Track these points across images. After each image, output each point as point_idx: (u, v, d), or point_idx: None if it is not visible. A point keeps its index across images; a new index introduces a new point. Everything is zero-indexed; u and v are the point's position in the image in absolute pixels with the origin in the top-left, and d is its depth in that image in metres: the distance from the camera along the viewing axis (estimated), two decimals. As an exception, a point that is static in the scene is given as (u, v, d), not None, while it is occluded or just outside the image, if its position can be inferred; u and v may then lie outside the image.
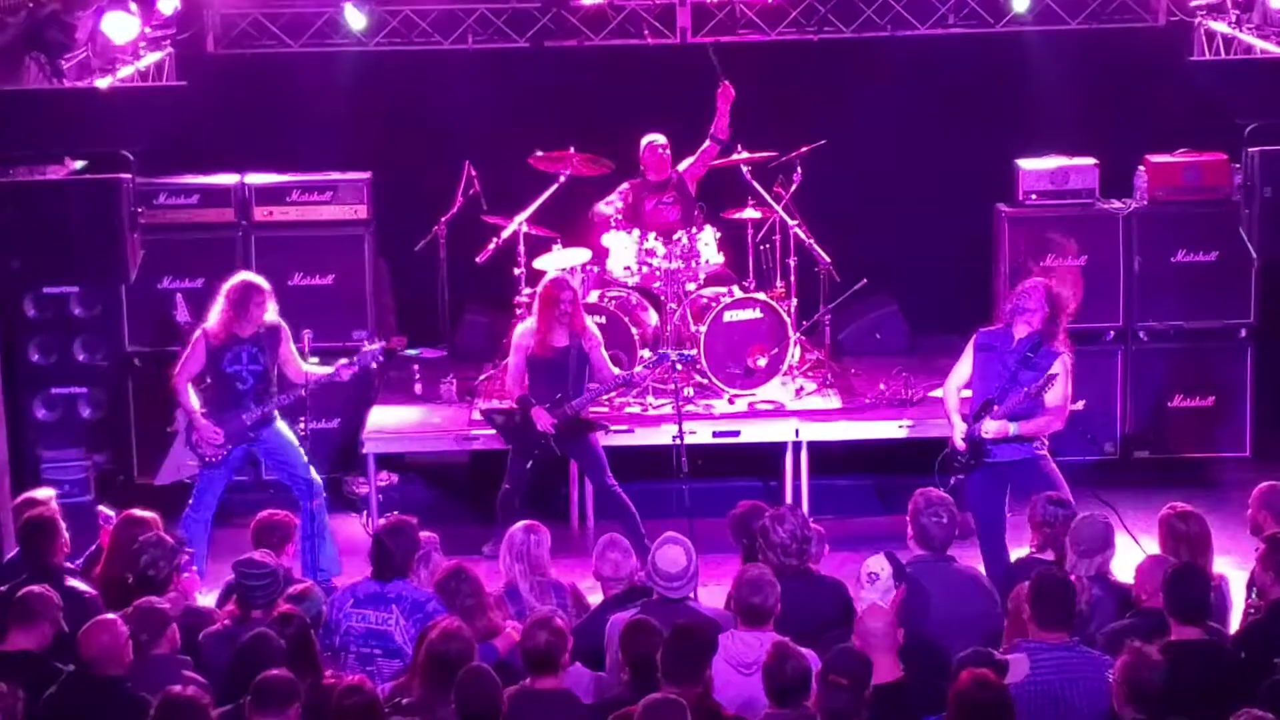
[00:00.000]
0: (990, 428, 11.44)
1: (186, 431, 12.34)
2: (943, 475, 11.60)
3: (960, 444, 11.60)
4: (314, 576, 11.42)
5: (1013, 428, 11.43)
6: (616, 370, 13.14)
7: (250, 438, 12.34)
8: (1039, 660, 8.45)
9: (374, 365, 12.86)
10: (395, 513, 10.78)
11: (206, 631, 9.30)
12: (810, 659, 8.30)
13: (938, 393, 13.75)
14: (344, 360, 12.55)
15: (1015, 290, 11.76)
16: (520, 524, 10.16)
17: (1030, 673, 8.38)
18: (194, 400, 12.28)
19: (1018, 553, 11.26)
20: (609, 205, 14.70)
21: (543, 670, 8.41)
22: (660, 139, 14.70)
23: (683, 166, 14.82)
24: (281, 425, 12.44)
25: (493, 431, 13.41)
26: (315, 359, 12.57)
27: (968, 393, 11.79)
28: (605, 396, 13.52)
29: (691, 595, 9.41)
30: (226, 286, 12.35)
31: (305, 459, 12.37)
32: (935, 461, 11.77)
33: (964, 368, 11.76)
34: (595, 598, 10.16)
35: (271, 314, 12.37)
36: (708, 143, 14.75)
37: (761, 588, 8.84)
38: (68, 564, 10.16)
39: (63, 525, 10.15)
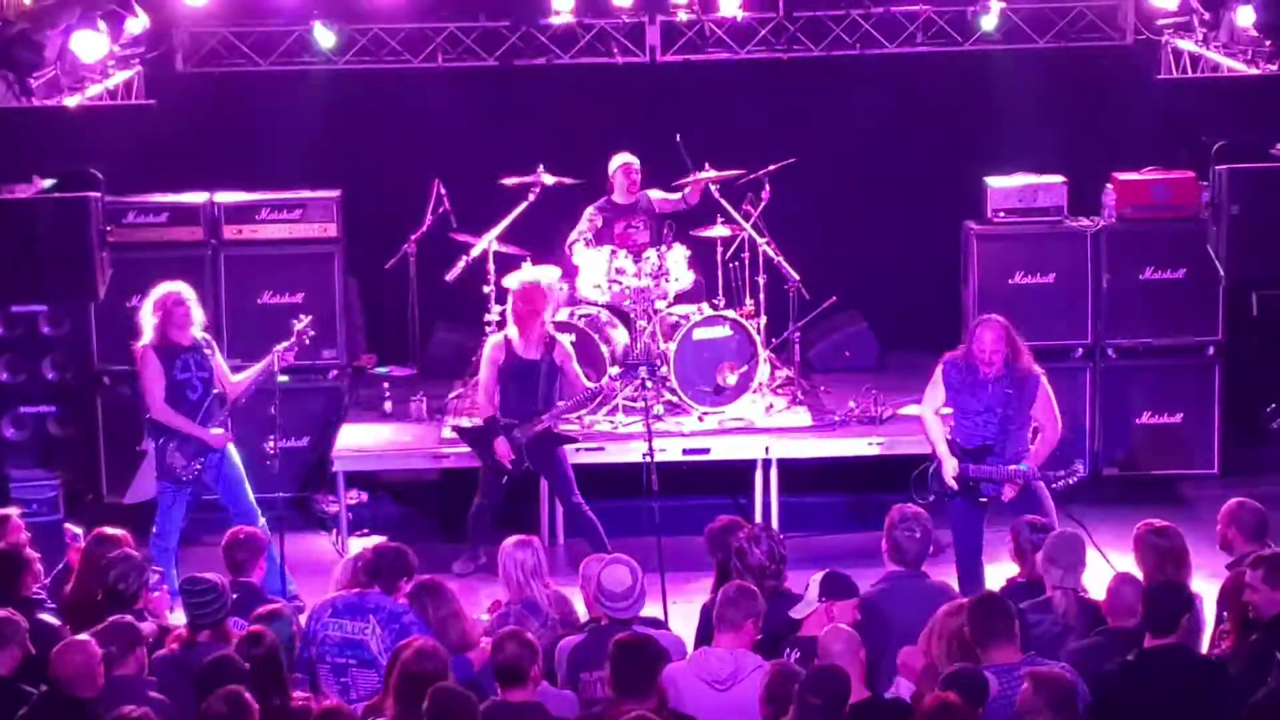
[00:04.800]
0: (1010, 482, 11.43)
1: (160, 453, 12.27)
2: (919, 492, 11.60)
3: (951, 482, 11.56)
4: (282, 598, 11.37)
5: (1022, 466, 11.44)
6: (590, 384, 13.14)
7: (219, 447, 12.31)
8: (1004, 681, 8.44)
9: (307, 341, 12.76)
10: (366, 530, 10.75)
11: (156, 656, 9.24)
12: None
13: (908, 410, 13.82)
14: (282, 345, 12.46)
15: (973, 338, 11.55)
16: (513, 541, 10.04)
17: (998, 692, 8.39)
18: (178, 414, 12.23)
19: (994, 569, 11.29)
20: (579, 237, 14.67)
21: (513, 682, 8.41)
22: (634, 161, 14.69)
23: (654, 195, 14.82)
24: (230, 447, 12.39)
25: (463, 449, 13.40)
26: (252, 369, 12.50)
27: (946, 409, 11.77)
28: (575, 413, 13.51)
29: (640, 616, 9.37)
30: (151, 300, 12.26)
31: (247, 484, 12.33)
32: (911, 477, 11.77)
33: (938, 395, 11.71)
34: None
35: (199, 327, 12.32)
36: (679, 197, 14.75)
37: (740, 598, 8.85)
38: (37, 592, 10.08)
39: (35, 557, 10.10)
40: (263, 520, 12.21)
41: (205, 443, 12.21)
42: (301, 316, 12.69)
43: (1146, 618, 8.71)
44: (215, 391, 12.29)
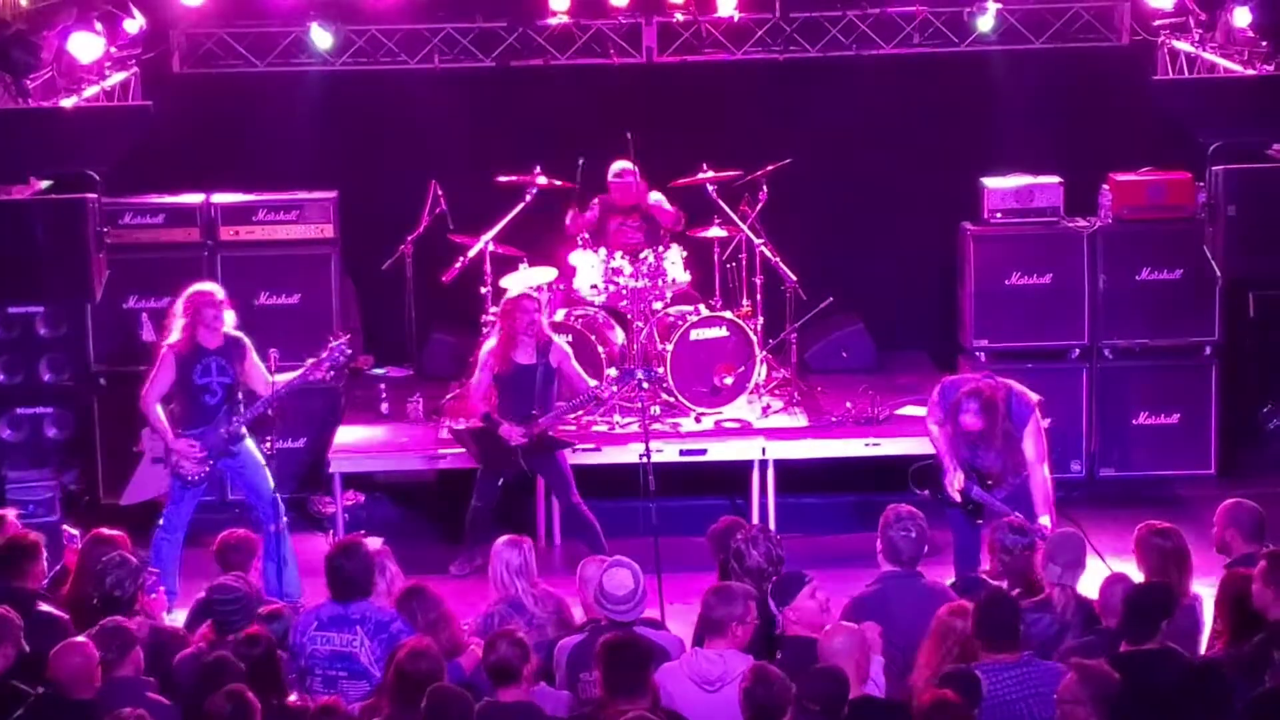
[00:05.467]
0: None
1: (165, 454, 12.26)
2: (919, 485, 11.59)
3: (954, 494, 11.54)
4: (279, 599, 11.37)
5: (1045, 520, 11.25)
6: (592, 382, 13.11)
7: (231, 451, 12.26)
8: (997, 679, 8.46)
9: (342, 360, 12.71)
10: (361, 532, 10.77)
11: (181, 655, 9.26)
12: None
13: (905, 410, 13.84)
14: (311, 360, 12.43)
15: (957, 411, 11.41)
16: (504, 540, 10.08)
17: (988, 691, 8.40)
18: (165, 420, 12.22)
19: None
20: (580, 221, 14.71)
21: (505, 681, 8.42)
22: (628, 167, 14.69)
23: (652, 198, 14.82)
24: (251, 444, 12.37)
25: (460, 450, 13.39)
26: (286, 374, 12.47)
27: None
28: (573, 415, 13.50)
29: (641, 619, 9.37)
30: (183, 299, 12.29)
31: (271, 481, 12.32)
32: (911, 469, 11.77)
33: (938, 412, 11.70)
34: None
35: (230, 325, 12.31)
36: (672, 210, 14.78)
37: (727, 600, 8.86)
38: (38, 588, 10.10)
39: (44, 552, 10.11)
40: (284, 519, 12.21)
41: (174, 451, 12.17)
42: (338, 334, 12.66)
43: (1125, 622, 8.69)
44: (238, 399, 12.23)
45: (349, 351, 12.78)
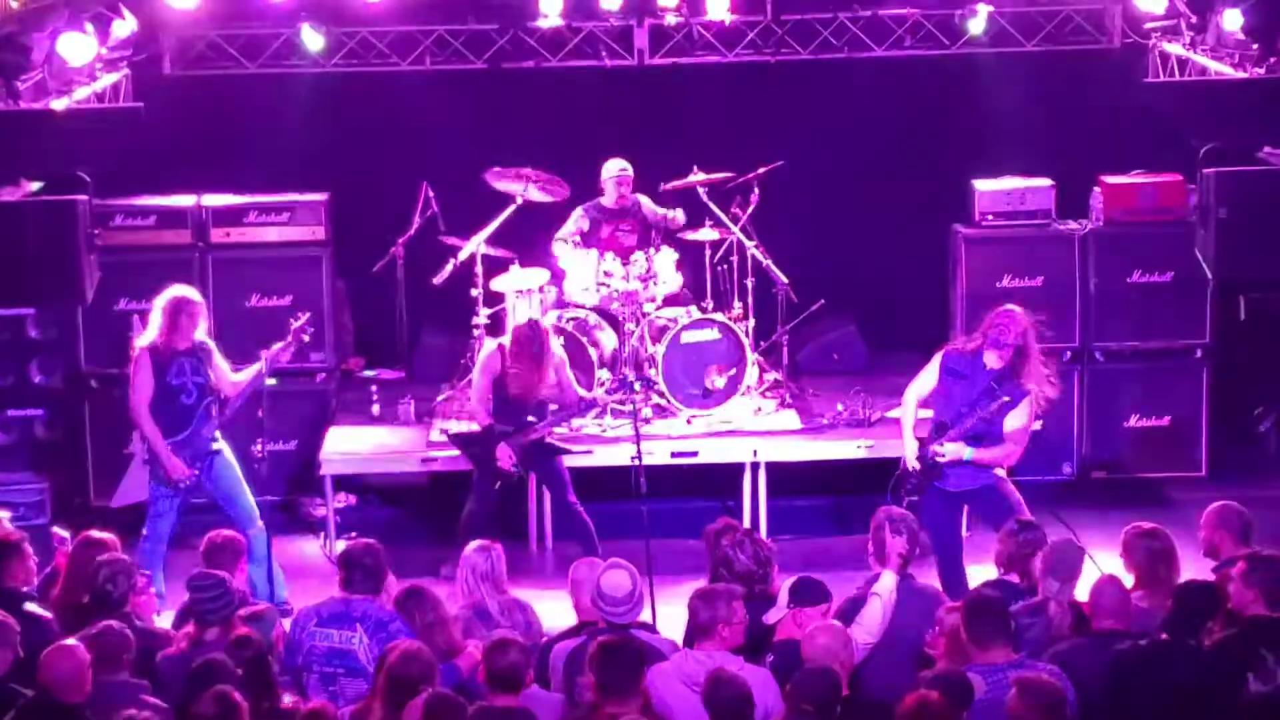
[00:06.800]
0: (948, 449, 11.34)
1: (151, 461, 12.22)
2: (895, 496, 11.58)
3: (913, 464, 11.56)
4: (270, 602, 11.35)
5: (968, 452, 11.33)
6: (583, 392, 13.10)
7: (214, 450, 12.23)
8: (992, 680, 8.47)
9: (305, 338, 12.61)
10: (354, 534, 10.75)
11: (164, 654, 9.26)
12: (762, 678, 8.34)
13: (896, 413, 13.81)
14: (278, 344, 12.39)
15: (992, 319, 11.53)
16: (473, 545, 10.12)
17: (985, 692, 8.40)
18: (155, 427, 12.15)
19: (975, 570, 11.30)
20: (567, 238, 14.69)
21: (506, 689, 8.42)
22: (627, 170, 14.68)
23: (645, 201, 14.82)
24: (225, 449, 12.34)
25: (451, 453, 13.38)
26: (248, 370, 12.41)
27: (927, 412, 11.76)
28: (566, 420, 13.48)
29: (637, 621, 9.36)
30: (160, 301, 12.25)
31: (245, 485, 12.28)
32: (889, 482, 11.77)
33: (926, 382, 11.66)
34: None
35: (202, 332, 12.26)
36: (663, 214, 14.75)
37: (711, 603, 8.86)
38: (25, 588, 10.06)
39: (29, 550, 10.07)
40: (260, 523, 12.19)
41: (163, 463, 12.14)
42: (298, 315, 12.62)
43: (1172, 619, 8.78)
44: (210, 398, 12.22)
45: (310, 329, 12.70)
